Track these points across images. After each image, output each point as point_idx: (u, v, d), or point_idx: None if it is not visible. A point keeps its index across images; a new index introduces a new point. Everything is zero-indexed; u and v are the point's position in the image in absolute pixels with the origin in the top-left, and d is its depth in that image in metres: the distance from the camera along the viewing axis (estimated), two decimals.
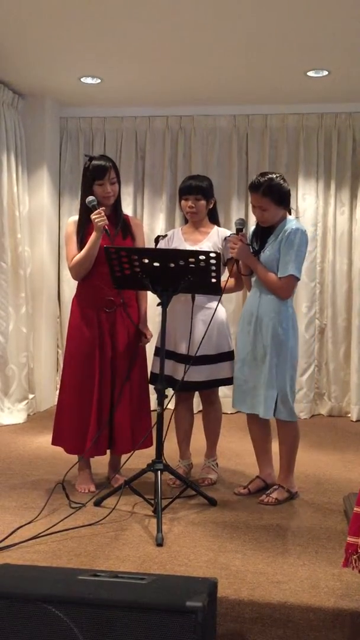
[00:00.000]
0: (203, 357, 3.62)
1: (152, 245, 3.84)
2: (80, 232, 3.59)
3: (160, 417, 3.25)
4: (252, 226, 3.68)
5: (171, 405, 3.67)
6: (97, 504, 3.36)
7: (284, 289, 3.41)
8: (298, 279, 3.43)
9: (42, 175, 5.85)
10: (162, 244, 3.80)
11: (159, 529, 2.94)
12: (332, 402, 5.93)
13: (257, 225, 3.55)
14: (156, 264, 3.25)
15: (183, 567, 2.67)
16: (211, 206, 3.82)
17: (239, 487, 3.66)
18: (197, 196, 3.73)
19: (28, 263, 5.67)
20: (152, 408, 3.79)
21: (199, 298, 3.64)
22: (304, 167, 5.90)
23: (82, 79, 5.32)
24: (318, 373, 5.96)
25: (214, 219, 3.88)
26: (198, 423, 3.97)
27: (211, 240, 3.76)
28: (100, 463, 3.81)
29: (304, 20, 4.11)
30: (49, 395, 5.96)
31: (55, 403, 4.09)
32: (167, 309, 3.35)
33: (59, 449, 3.74)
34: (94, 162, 3.53)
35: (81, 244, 3.55)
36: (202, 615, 1.80)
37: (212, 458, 3.92)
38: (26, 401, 5.54)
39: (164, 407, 3.26)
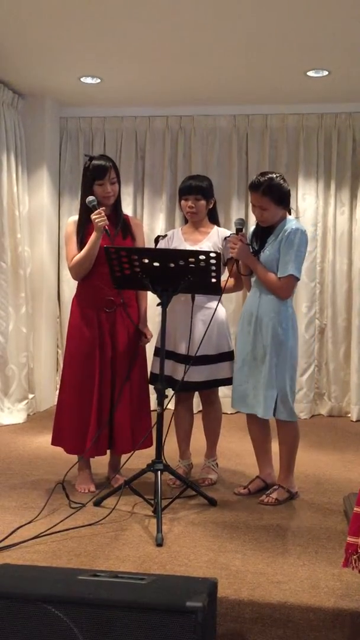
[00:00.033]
0: (203, 357, 3.62)
1: (152, 246, 3.84)
2: (80, 232, 3.58)
3: (160, 417, 3.25)
4: (251, 226, 3.68)
5: (171, 406, 3.67)
6: (97, 504, 3.36)
7: (284, 289, 3.41)
8: (298, 279, 3.43)
9: (42, 175, 5.85)
10: (162, 244, 3.80)
11: (159, 529, 2.94)
12: (332, 402, 5.93)
13: (257, 225, 3.55)
14: (156, 264, 3.25)
15: (183, 567, 2.67)
16: (211, 206, 3.82)
17: (239, 487, 3.66)
18: (197, 196, 3.73)
19: (28, 263, 5.67)
20: (152, 408, 3.79)
21: (198, 298, 3.64)
22: (304, 167, 5.90)
23: (82, 79, 5.32)
24: (318, 373, 5.95)
25: (213, 219, 3.88)
26: (198, 423, 3.97)
27: (211, 240, 3.76)
28: (100, 463, 3.81)
29: (304, 20, 4.11)
30: (48, 395, 5.96)
31: (55, 403, 4.09)
32: (167, 309, 3.35)
33: (59, 449, 3.74)
34: (94, 162, 3.53)
35: (81, 244, 3.55)
36: (202, 615, 1.80)
37: (212, 458, 3.92)
38: (26, 401, 5.54)
39: (164, 407, 3.26)
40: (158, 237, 3.87)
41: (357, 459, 4.46)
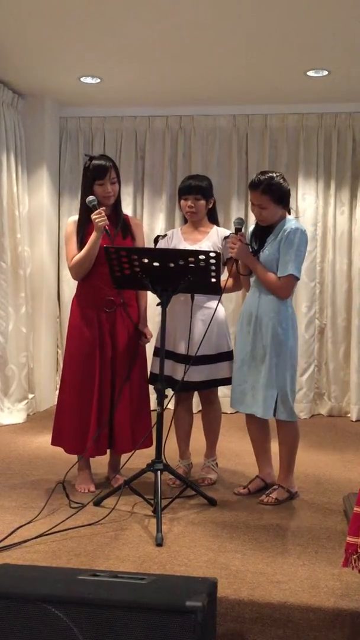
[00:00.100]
0: (202, 357, 3.62)
1: (152, 245, 3.84)
2: (80, 232, 3.58)
3: (160, 417, 3.25)
4: (251, 225, 3.68)
5: (170, 406, 3.67)
6: (97, 504, 3.36)
7: (284, 289, 3.41)
8: (298, 279, 3.43)
9: (41, 175, 5.85)
10: (161, 244, 3.80)
11: (159, 529, 2.94)
12: (332, 402, 5.93)
13: (257, 224, 3.55)
14: (156, 264, 3.25)
15: (183, 567, 2.67)
16: (210, 206, 3.82)
17: (239, 487, 3.66)
18: (196, 196, 3.73)
19: (28, 263, 5.67)
20: (152, 408, 3.79)
21: (198, 297, 3.64)
22: (304, 167, 5.90)
23: (82, 79, 5.32)
24: (318, 373, 5.96)
25: (213, 218, 3.88)
26: (198, 423, 3.97)
27: (211, 239, 3.76)
28: (100, 463, 3.81)
29: (304, 20, 4.11)
30: (48, 395, 5.96)
31: (55, 403, 4.09)
32: (167, 309, 3.35)
33: (59, 449, 3.74)
34: (95, 162, 3.53)
35: (81, 243, 3.55)
36: (202, 615, 1.80)
37: (212, 458, 3.92)
38: (26, 401, 5.54)
39: (164, 407, 3.27)
40: (157, 237, 3.87)
41: (357, 459, 4.46)
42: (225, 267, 3.74)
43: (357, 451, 4.69)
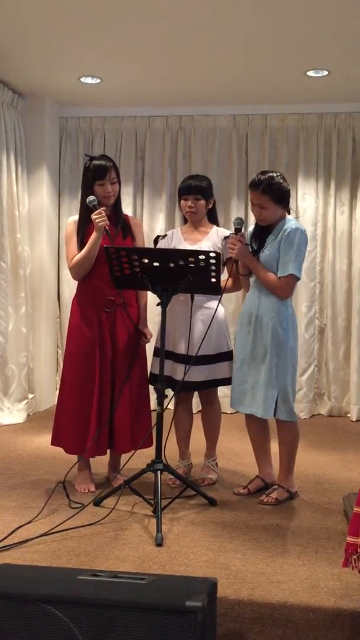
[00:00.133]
0: (202, 357, 3.62)
1: (152, 246, 3.83)
2: (80, 232, 3.58)
3: (160, 417, 3.25)
4: (250, 225, 3.68)
5: (170, 406, 3.67)
6: (97, 504, 3.36)
7: (284, 289, 3.41)
8: (298, 279, 3.43)
9: (41, 175, 5.84)
10: (161, 244, 3.80)
11: (159, 529, 2.94)
12: (332, 402, 5.93)
13: (256, 224, 3.55)
14: (156, 264, 3.25)
15: (183, 567, 2.67)
16: (210, 206, 3.82)
17: (239, 487, 3.66)
18: (196, 196, 3.73)
19: (28, 263, 5.67)
20: (152, 408, 3.79)
21: (197, 297, 3.64)
22: (304, 167, 5.90)
23: (81, 79, 5.32)
24: (318, 373, 5.96)
25: (213, 219, 3.88)
26: (197, 423, 3.97)
27: (211, 239, 3.76)
28: (100, 463, 3.81)
29: (304, 20, 4.11)
30: (48, 395, 5.96)
31: (55, 403, 4.09)
32: (166, 309, 3.35)
33: (59, 449, 3.74)
34: (95, 162, 3.53)
35: (81, 243, 3.55)
36: (202, 615, 1.80)
37: (212, 458, 3.92)
38: (26, 401, 5.54)
39: (164, 407, 3.26)
40: (157, 237, 3.87)
41: (357, 459, 4.46)
42: (225, 267, 3.74)
43: (357, 451, 4.69)
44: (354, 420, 5.75)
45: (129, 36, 4.43)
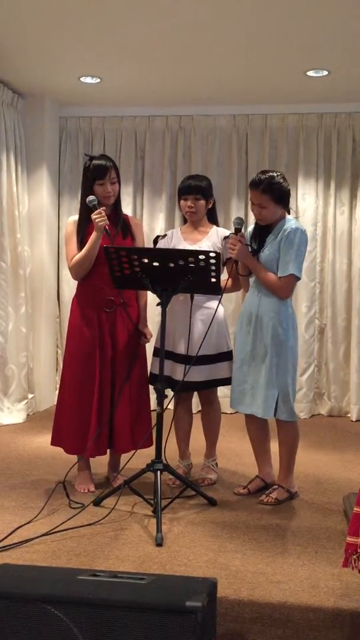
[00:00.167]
0: (202, 357, 3.62)
1: (151, 246, 3.83)
2: (80, 231, 3.58)
3: (160, 417, 3.25)
4: (250, 225, 3.68)
5: (170, 406, 3.67)
6: (97, 504, 3.36)
7: (284, 289, 3.40)
8: (298, 279, 3.43)
9: (41, 175, 5.84)
10: (161, 244, 3.80)
11: (159, 529, 2.94)
12: (332, 402, 5.93)
13: (256, 224, 3.55)
14: (156, 264, 3.25)
15: (183, 567, 2.67)
16: (210, 206, 3.82)
17: (239, 487, 3.66)
18: (196, 196, 3.73)
19: (27, 263, 5.67)
20: (152, 408, 3.79)
21: (197, 297, 3.64)
22: (304, 167, 5.90)
23: (81, 79, 5.32)
24: (318, 373, 5.96)
25: (212, 219, 3.88)
26: (197, 423, 3.97)
27: (210, 239, 3.76)
28: (100, 463, 3.81)
29: (304, 20, 4.11)
30: (48, 395, 5.96)
31: (55, 403, 4.09)
32: (166, 309, 3.35)
33: (59, 449, 3.73)
34: (95, 162, 3.53)
35: (81, 243, 3.55)
36: (202, 615, 1.80)
37: (212, 458, 3.92)
38: (26, 401, 5.54)
39: (164, 407, 3.26)
40: (157, 237, 3.87)
41: (357, 459, 4.46)
42: (225, 268, 3.74)
43: (357, 451, 4.69)
44: (353, 420, 5.75)
45: (129, 36, 4.43)
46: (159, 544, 2.88)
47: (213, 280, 3.29)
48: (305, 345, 5.76)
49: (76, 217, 3.65)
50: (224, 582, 2.51)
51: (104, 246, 3.34)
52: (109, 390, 3.55)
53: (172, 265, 3.23)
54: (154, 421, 3.39)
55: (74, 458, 3.66)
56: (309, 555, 2.81)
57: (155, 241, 3.84)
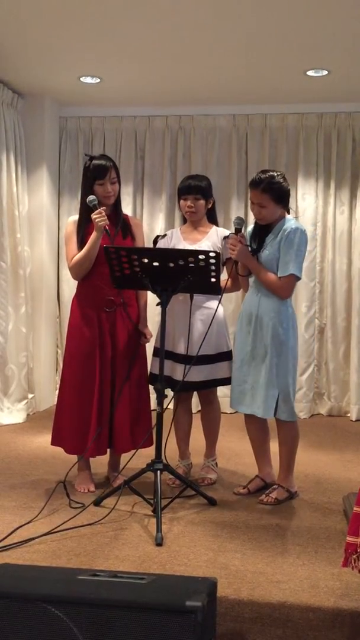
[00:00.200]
0: (202, 357, 3.62)
1: (151, 246, 3.83)
2: (80, 231, 3.58)
3: (160, 417, 3.25)
4: (250, 225, 3.67)
5: (170, 406, 3.67)
6: (97, 503, 3.36)
7: (284, 289, 3.41)
8: (299, 278, 3.43)
9: (41, 174, 5.84)
10: (161, 244, 3.80)
11: (159, 529, 2.94)
12: (332, 402, 5.93)
13: (256, 224, 3.55)
14: (156, 264, 3.25)
15: (182, 567, 2.67)
16: (210, 206, 3.82)
17: (239, 487, 3.66)
18: (196, 196, 3.73)
19: (27, 263, 5.67)
20: (152, 408, 3.79)
21: (197, 297, 3.64)
22: (304, 166, 5.90)
23: (81, 79, 5.32)
24: (317, 373, 5.96)
25: (212, 219, 3.88)
26: (197, 423, 3.97)
27: (210, 239, 3.76)
28: (100, 463, 3.81)
29: (304, 20, 4.11)
30: (48, 395, 5.96)
31: (55, 403, 4.09)
32: (166, 309, 3.35)
33: (59, 449, 3.74)
34: (95, 162, 3.53)
35: (81, 243, 3.55)
36: (202, 615, 1.80)
37: (212, 458, 3.92)
38: (26, 401, 5.54)
39: (164, 407, 3.27)
40: (157, 237, 3.87)
41: (357, 459, 4.46)
42: (225, 267, 3.74)
43: (357, 451, 4.69)
44: (353, 420, 5.76)
45: (129, 36, 4.43)
46: (159, 543, 2.88)
47: (213, 280, 3.29)
48: (305, 345, 5.76)
49: (76, 217, 3.65)
50: (224, 581, 2.51)
51: (104, 246, 3.34)
52: (109, 390, 3.55)
53: (172, 265, 3.23)
54: (153, 421, 3.39)
55: (74, 458, 3.67)
56: (308, 555, 2.81)
57: (155, 241, 3.84)
